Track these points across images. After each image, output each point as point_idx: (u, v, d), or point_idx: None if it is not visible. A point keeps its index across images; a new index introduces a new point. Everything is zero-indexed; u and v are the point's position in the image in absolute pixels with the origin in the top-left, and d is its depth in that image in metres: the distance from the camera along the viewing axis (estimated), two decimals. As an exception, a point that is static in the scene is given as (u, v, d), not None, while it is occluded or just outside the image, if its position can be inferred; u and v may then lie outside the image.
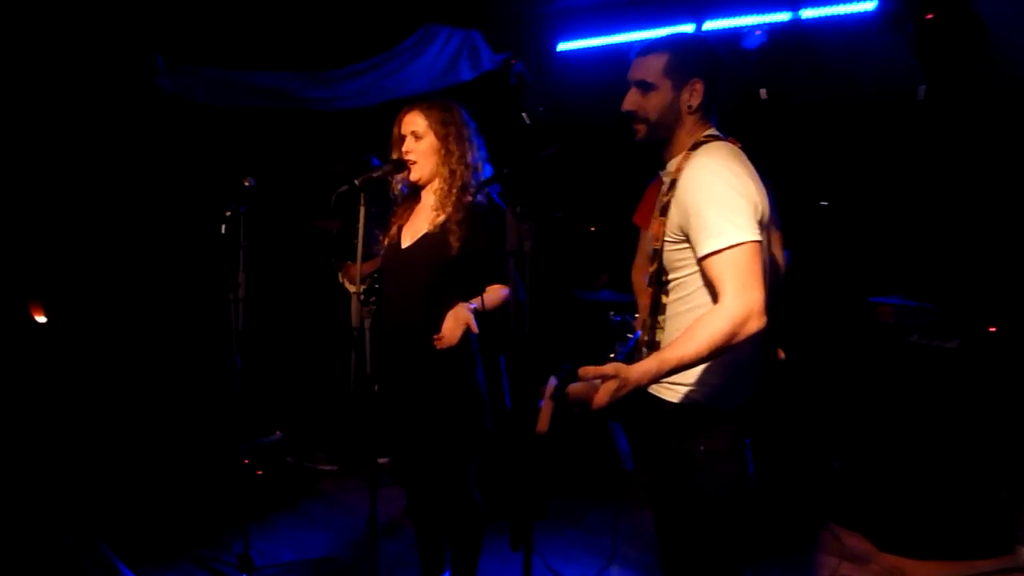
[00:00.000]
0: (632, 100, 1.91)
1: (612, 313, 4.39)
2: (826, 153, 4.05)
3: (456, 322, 2.40)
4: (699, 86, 1.86)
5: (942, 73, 4.09)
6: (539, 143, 2.83)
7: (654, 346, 1.92)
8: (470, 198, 2.55)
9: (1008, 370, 3.05)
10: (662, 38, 1.93)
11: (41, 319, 3.97)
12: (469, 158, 2.60)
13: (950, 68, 4.07)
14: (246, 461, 3.45)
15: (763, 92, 4.78)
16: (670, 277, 1.89)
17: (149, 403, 4.07)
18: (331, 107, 4.60)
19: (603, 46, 5.03)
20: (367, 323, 2.49)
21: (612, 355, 4.36)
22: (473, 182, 2.57)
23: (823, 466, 3.89)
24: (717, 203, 1.70)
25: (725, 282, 1.66)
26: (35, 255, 3.94)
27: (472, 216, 2.51)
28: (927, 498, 3.25)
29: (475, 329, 2.39)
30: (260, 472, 3.90)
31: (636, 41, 5.04)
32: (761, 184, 1.80)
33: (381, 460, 4.47)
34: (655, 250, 1.91)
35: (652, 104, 1.88)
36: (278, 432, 4.40)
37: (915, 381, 3.28)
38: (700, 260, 1.73)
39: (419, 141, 2.58)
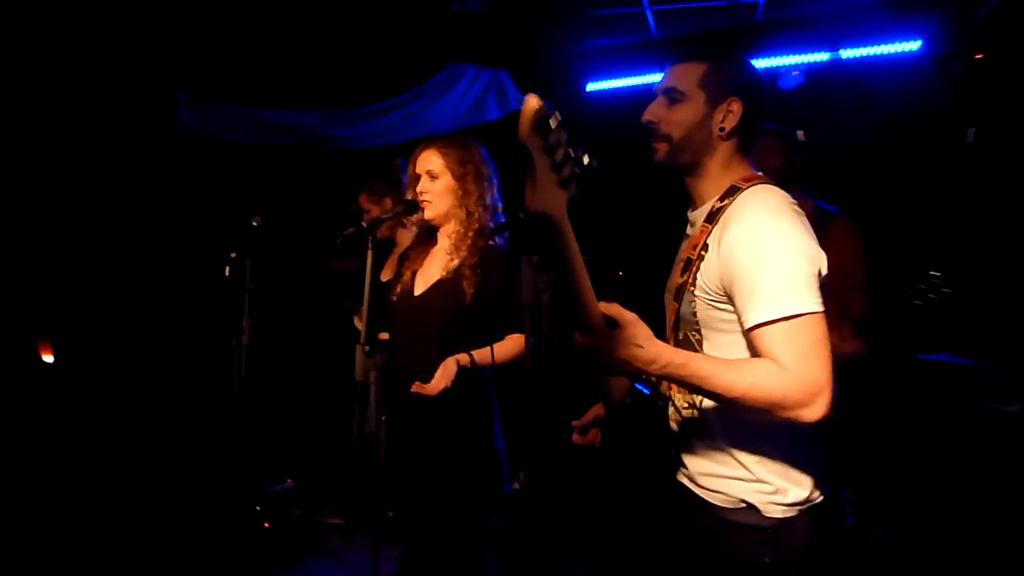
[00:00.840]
0: (655, 111, 1.62)
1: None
2: (875, 199, 3.82)
3: (440, 376, 2.23)
4: (736, 107, 1.57)
5: (992, 115, 3.89)
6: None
7: (694, 410, 1.65)
8: (486, 241, 2.39)
9: None
10: (703, 47, 1.65)
11: (48, 358, 3.86)
12: (487, 199, 2.45)
13: (1000, 109, 3.87)
14: (257, 508, 3.30)
15: (800, 134, 4.61)
16: (704, 340, 1.60)
17: (154, 447, 3.92)
18: (354, 145, 4.53)
19: (633, 86, 4.91)
20: (372, 376, 2.31)
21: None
22: (491, 224, 2.41)
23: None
24: (774, 265, 1.42)
25: (782, 356, 1.38)
26: (44, 292, 3.85)
27: (487, 260, 2.35)
28: (980, 566, 2.96)
29: (446, 384, 2.21)
30: (267, 524, 3.70)
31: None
32: (817, 243, 1.50)
33: (390, 513, 4.28)
34: (676, 302, 1.64)
35: (678, 118, 1.58)
36: (289, 480, 4.22)
37: (972, 444, 3.01)
38: (748, 331, 1.44)
39: (435, 181, 2.43)
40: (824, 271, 1.48)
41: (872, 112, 4.19)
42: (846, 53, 4.24)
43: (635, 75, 4.89)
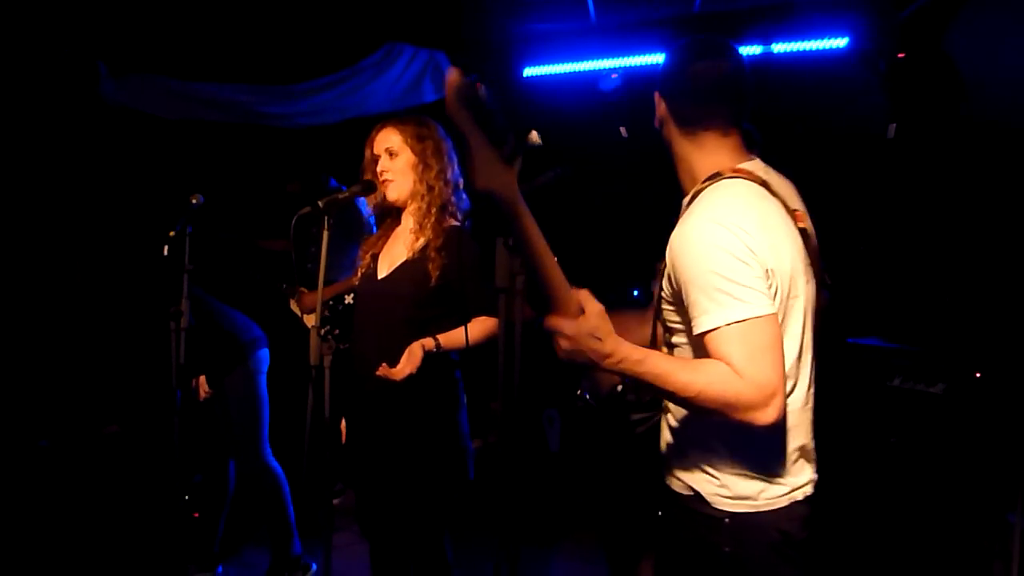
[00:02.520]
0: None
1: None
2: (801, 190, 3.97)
3: (406, 362, 2.21)
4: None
5: (913, 112, 4.09)
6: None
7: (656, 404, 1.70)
8: (452, 221, 2.36)
9: (994, 416, 2.95)
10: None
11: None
12: (449, 174, 2.41)
13: (921, 107, 4.07)
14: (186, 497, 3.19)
15: (623, 131, 4.82)
16: (672, 340, 1.63)
17: (80, 435, 3.71)
18: (288, 124, 4.37)
19: (570, 72, 4.93)
20: (327, 360, 2.25)
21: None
22: (454, 200, 2.38)
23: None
24: (715, 271, 1.40)
25: (734, 359, 1.36)
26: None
27: (451, 242, 2.31)
28: (908, 547, 3.13)
29: (411, 370, 2.20)
30: (197, 515, 3.57)
31: (602, 69, 4.99)
32: (787, 235, 1.51)
33: (335, 501, 4.20)
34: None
35: (665, 135, 1.69)
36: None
37: (897, 425, 3.18)
38: (699, 337, 1.43)
39: (394, 159, 2.38)
40: (780, 268, 1.47)
41: (803, 107, 4.34)
42: (777, 47, 4.37)
43: (573, 61, 4.90)
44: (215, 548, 3.27)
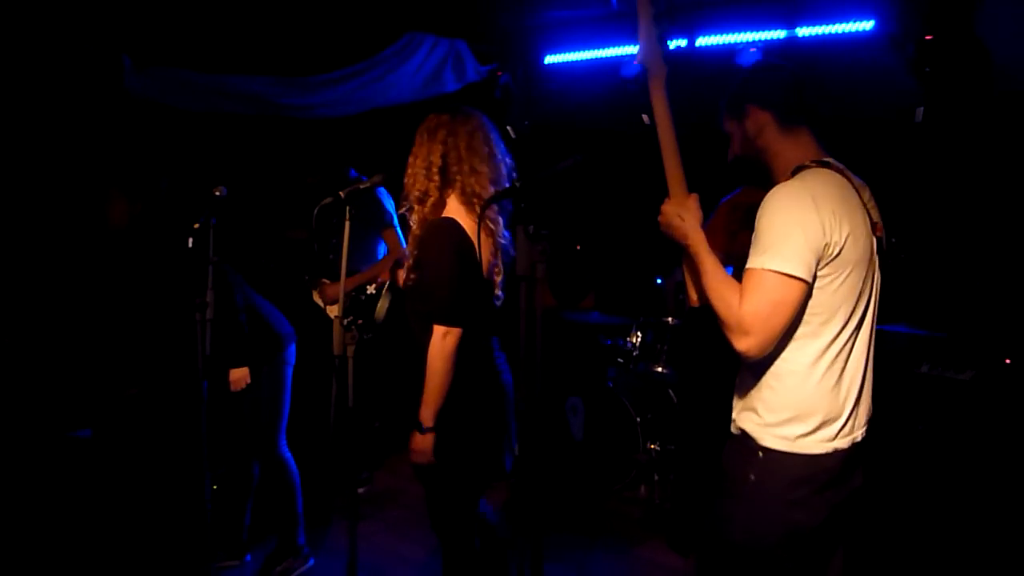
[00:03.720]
0: (730, 152, 2.01)
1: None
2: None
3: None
4: (754, 110, 1.90)
5: (942, 95, 4.01)
6: (524, 157, 2.67)
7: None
8: (443, 214, 2.38)
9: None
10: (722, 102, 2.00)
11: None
12: (436, 167, 2.40)
13: (950, 90, 3.99)
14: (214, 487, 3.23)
15: (645, 118, 4.77)
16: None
17: (105, 427, 3.77)
18: (309, 115, 4.38)
19: (590, 60, 4.90)
20: (350, 350, 2.26)
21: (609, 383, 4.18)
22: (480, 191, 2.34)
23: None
24: (771, 229, 1.70)
25: (748, 295, 1.68)
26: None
27: (425, 234, 2.35)
28: (938, 534, 3.10)
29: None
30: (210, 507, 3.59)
31: (623, 55, 4.94)
32: (861, 223, 1.78)
33: (360, 490, 4.24)
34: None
35: (736, 147, 1.97)
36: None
37: (925, 412, 3.14)
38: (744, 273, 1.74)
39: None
40: (840, 246, 1.69)
41: (828, 91, 4.27)
42: (802, 31, 4.31)
43: (594, 48, 4.87)
44: (243, 536, 3.31)
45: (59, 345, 3.81)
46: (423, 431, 2.30)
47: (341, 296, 2.26)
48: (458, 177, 2.34)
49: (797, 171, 1.81)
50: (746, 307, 1.67)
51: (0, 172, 3.80)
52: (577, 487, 4.16)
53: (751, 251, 1.71)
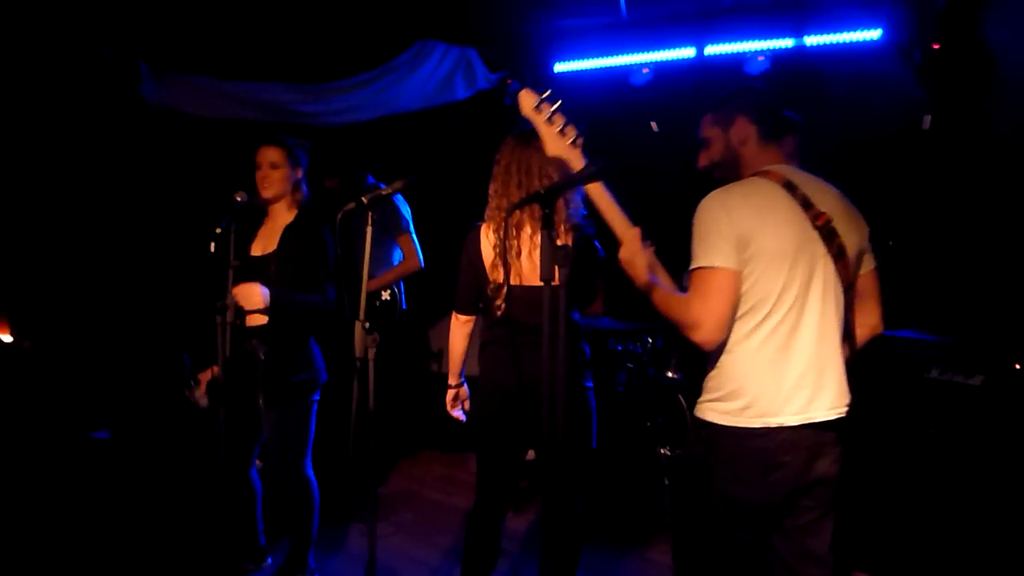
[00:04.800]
0: (701, 158, 2.16)
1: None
2: (836, 182, 3.95)
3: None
4: (742, 121, 2.06)
5: (949, 103, 4.05)
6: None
7: None
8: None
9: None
10: (710, 107, 2.15)
11: (6, 338, 3.71)
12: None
13: (957, 98, 4.03)
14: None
15: (654, 125, 4.83)
16: None
17: (124, 430, 3.81)
18: (323, 121, 4.43)
19: (601, 68, 4.94)
20: (371, 353, 2.30)
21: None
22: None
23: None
24: (697, 230, 1.92)
25: (690, 294, 1.89)
26: (5, 270, 3.69)
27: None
28: (950, 542, 3.12)
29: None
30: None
31: (632, 64, 4.97)
32: (785, 220, 1.93)
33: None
34: None
35: (714, 152, 2.11)
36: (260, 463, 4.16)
37: (936, 417, 3.16)
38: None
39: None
40: (758, 239, 1.87)
41: (836, 99, 4.32)
42: (810, 40, 4.35)
43: (604, 56, 4.91)
44: (261, 541, 3.32)
45: (80, 347, 3.86)
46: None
47: (363, 299, 2.31)
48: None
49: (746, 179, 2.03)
50: (690, 304, 1.88)
51: (19, 177, 3.84)
52: (588, 491, 4.18)
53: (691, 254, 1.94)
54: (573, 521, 2.64)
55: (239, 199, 2.87)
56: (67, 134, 3.99)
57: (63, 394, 3.68)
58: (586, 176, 1.79)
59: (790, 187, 1.96)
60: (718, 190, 1.96)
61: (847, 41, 4.25)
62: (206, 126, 4.14)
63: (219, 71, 4.14)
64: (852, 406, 2.01)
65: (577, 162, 2.07)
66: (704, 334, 1.87)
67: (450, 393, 2.80)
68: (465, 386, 2.82)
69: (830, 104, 4.34)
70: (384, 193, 2.34)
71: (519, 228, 2.50)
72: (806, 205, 1.95)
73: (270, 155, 3.00)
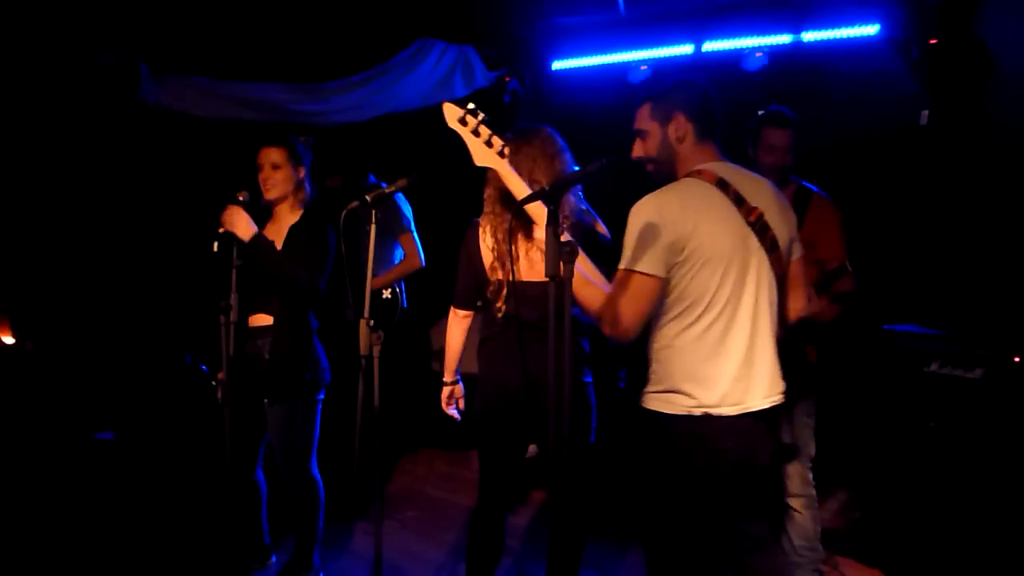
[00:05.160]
0: (636, 148, 2.18)
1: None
2: (834, 177, 3.97)
3: None
4: (680, 118, 2.09)
5: (947, 98, 4.06)
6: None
7: None
8: None
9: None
10: (648, 94, 2.16)
11: (9, 340, 3.72)
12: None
13: (955, 93, 4.04)
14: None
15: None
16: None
17: (126, 430, 3.82)
18: (323, 121, 4.42)
19: (599, 65, 4.95)
20: (376, 350, 2.31)
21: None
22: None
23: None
24: (630, 232, 1.98)
25: (613, 291, 1.96)
26: (6, 271, 3.70)
27: None
28: (949, 533, 3.14)
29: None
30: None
31: (630, 61, 4.98)
32: (720, 218, 1.99)
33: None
34: None
35: (650, 146, 2.14)
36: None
37: (936, 410, 3.19)
38: None
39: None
40: (691, 245, 1.95)
41: (834, 95, 4.34)
42: (808, 36, 4.36)
43: (602, 54, 4.92)
44: (266, 540, 3.33)
45: (82, 348, 3.86)
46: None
47: (367, 297, 2.32)
48: None
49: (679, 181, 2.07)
50: (612, 301, 1.94)
51: (21, 180, 3.84)
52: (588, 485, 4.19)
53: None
54: (575, 516, 2.65)
55: (241, 198, 2.88)
56: (68, 136, 3.99)
57: (66, 395, 3.69)
58: (588, 173, 1.80)
59: (723, 185, 2.03)
60: (654, 194, 2.01)
61: (845, 37, 4.26)
62: (209, 127, 4.14)
63: (219, 72, 4.14)
64: (789, 393, 2.14)
65: (505, 171, 2.18)
66: (620, 332, 1.94)
67: (445, 391, 2.81)
68: (460, 384, 2.83)
69: (828, 100, 4.36)
70: (387, 191, 2.35)
71: (515, 227, 2.50)
72: (738, 202, 2.02)
73: (272, 156, 2.99)
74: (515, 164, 2.43)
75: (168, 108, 4.02)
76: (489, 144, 2.17)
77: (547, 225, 1.73)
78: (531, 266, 2.50)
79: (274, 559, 3.34)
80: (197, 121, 3.98)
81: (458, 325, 2.71)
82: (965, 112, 4.03)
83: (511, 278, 2.48)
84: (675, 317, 2.01)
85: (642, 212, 1.97)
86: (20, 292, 3.69)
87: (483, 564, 2.68)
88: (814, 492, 2.98)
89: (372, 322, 2.32)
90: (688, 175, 2.07)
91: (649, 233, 1.93)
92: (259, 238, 2.85)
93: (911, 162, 4.17)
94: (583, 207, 2.59)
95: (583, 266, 1.99)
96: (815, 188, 3.04)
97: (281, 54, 4.32)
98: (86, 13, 3.72)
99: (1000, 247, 3.71)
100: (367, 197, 2.30)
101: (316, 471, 3.12)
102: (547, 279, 1.74)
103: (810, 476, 2.96)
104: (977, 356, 3.11)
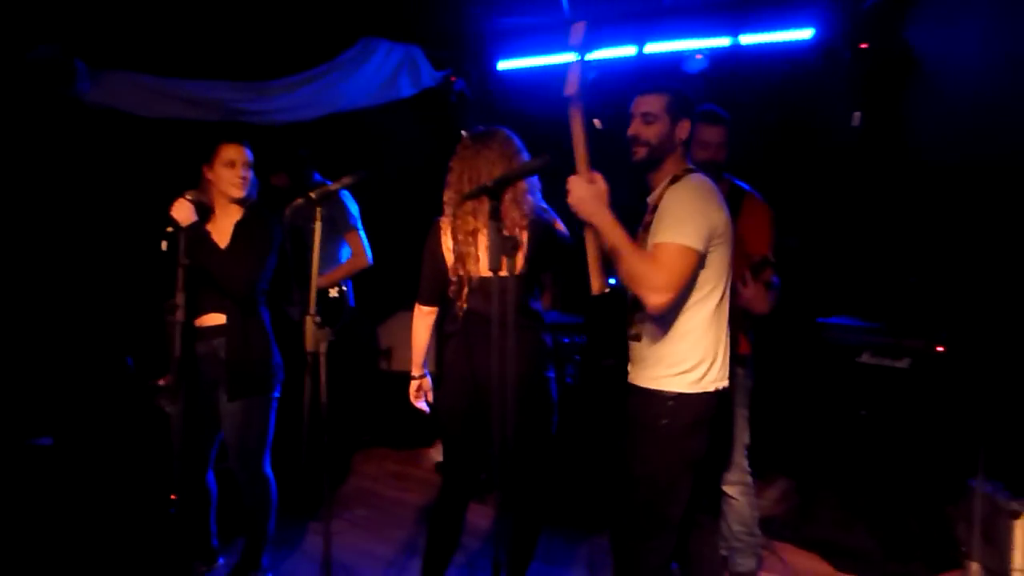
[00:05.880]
0: (636, 128, 2.28)
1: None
2: (772, 176, 4.11)
3: None
4: (687, 124, 2.27)
5: (877, 99, 4.23)
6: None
7: (638, 337, 2.31)
8: None
9: (955, 388, 3.12)
10: (662, 84, 2.30)
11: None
12: None
13: (882, 95, 4.22)
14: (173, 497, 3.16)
15: (597, 123, 4.98)
16: None
17: (65, 435, 3.73)
18: (267, 120, 4.37)
19: (544, 66, 5.02)
20: (323, 347, 2.32)
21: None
22: None
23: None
24: (680, 212, 2.11)
25: (661, 263, 2.08)
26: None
27: None
28: (879, 512, 3.28)
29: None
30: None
31: (579, 61, 5.06)
32: (726, 211, 2.21)
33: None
34: None
35: (653, 132, 2.25)
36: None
37: (867, 399, 3.33)
38: (653, 246, 2.12)
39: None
40: (721, 231, 2.15)
41: (771, 96, 4.48)
42: (745, 39, 4.49)
43: (547, 54, 4.99)
44: (214, 543, 3.30)
45: (18, 351, 3.76)
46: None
47: (312, 295, 2.33)
48: None
49: (675, 179, 2.23)
50: (661, 271, 2.06)
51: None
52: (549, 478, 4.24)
53: (658, 227, 2.13)
54: (530, 507, 2.71)
55: (190, 198, 2.86)
56: (11, 136, 3.87)
57: (2, 400, 3.59)
58: (528, 169, 1.86)
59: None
60: (698, 179, 2.21)
61: (781, 41, 4.41)
62: (152, 125, 4.07)
63: (160, 69, 4.07)
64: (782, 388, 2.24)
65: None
66: (663, 300, 2.06)
67: (413, 384, 2.86)
68: (428, 377, 2.87)
69: (766, 101, 4.50)
70: (332, 188, 2.37)
71: (474, 223, 2.56)
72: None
73: (245, 155, 2.99)
74: (474, 166, 2.50)
75: (106, 105, 3.94)
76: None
77: (489, 220, 1.77)
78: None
79: (221, 561, 3.31)
80: (141, 119, 3.90)
81: (422, 321, 2.77)
82: (893, 114, 4.21)
83: (471, 276, 2.56)
84: (701, 299, 2.18)
85: (697, 194, 2.15)
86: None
87: (440, 552, 2.74)
88: (751, 479, 3.08)
89: (319, 319, 2.33)
90: (690, 172, 2.26)
91: (697, 212, 2.10)
92: (196, 227, 2.85)
93: (844, 162, 4.34)
94: (542, 206, 2.67)
95: (622, 236, 2.09)
96: (747, 187, 3.14)
97: (224, 52, 4.26)
98: (24, 7, 3.62)
99: (927, 243, 3.89)
100: (311, 194, 2.31)
101: (269, 470, 3.11)
102: (493, 273, 1.79)
103: (746, 464, 3.07)
104: (904, 347, 3.26)
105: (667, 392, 2.20)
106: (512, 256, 1.78)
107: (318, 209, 2.33)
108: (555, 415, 2.69)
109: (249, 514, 3.10)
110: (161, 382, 2.90)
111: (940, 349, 3.16)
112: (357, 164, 2.72)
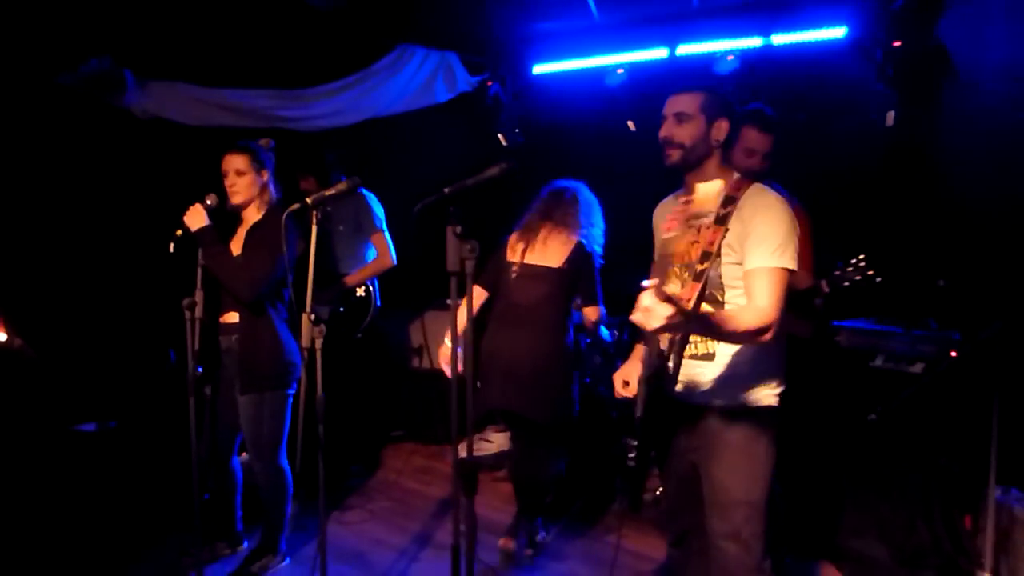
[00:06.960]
0: (668, 129, 2.17)
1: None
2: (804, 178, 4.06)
3: None
4: (725, 124, 2.15)
5: (910, 99, 4.13)
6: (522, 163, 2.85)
7: (710, 357, 2.18)
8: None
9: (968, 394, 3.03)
10: (697, 84, 2.19)
11: (1, 336, 3.90)
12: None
13: (917, 94, 4.11)
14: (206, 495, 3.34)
15: (631, 124, 4.94)
16: (726, 296, 2.12)
17: (110, 424, 4.00)
18: (305, 126, 4.58)
19: (578, 69, 5.07)
20: (318, 343, 2.46)
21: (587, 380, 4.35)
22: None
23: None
24: (782, 232, 2.02)
25: (769, 293, 1.98)
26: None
27: None
28: (890, 525, 3.22)
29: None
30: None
31: (609, 65, 5.07)
32: None
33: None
34: (705, 258, 1.99)
35: (687, 132, 2.14)
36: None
37: (879, 403, 3.27)
38: (749, 269, 2.02)
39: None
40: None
41: (803, 97, 4.42)
42: (777, 39, 4.44)
43: (580, 58, 5.03)
44: (238, 527, 3.49)
45: (67, 343, 4.04)
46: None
47: (308, 293, 2.47)
48: None
49: (736, 191, 2.09)
50: (769, 304, 1.96)
51: (8, 184, 4.01)
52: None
53: (757, 249, 2.01)
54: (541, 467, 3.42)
55: (209, 202, 3.04)
56: (54, 140, 4.15)
57: (49, 388, 3.87)
58: (490, 176, 1.92)
59: None
60: (778, 197, 2.10)
61: (813, 40, 4.34)
62: (193, 132, 4.30)
63: (203, 78, 4.30)
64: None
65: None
66: (776, 330, 1.97)
67: (444, 348, 3.27)
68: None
69: (798, 102, 4.44)
70: (327, 195, 2.50)
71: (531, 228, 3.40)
72: None
73: (235, 162, 3.12)
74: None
75: (154, 115, 4.19)
76: None
77: (448, 225, 1.85)
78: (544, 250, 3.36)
79: (246, 544, 3.49)
80: (179, 127, 4.13)
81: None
82: (927, 113, 4.10)
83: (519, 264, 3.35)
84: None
85: (786, 212, 2.06)
86: (7, 290, 3.88)
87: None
88: None
89: (314, 316, 2.47)
90: (745, 180, 2.14)
91: (793, 232, 2.04)
92: (205, 232, 3.01)
93: (879, 162, 4.25)
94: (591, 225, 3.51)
95: (715, 319, 1.95)
96: (786, 194, 3.05)
97: (264, 61, 4.47)
98: (74, 21, 3.87)
99: (942, 243, 3.78)
100: (307, 200, 2.45)
101: (284, 461, 3.27)
102: (449, 271, 1.87)
103: None
104: (918, 352, 3.19)
105: (767, 406, 2.15)
106: (470, 259, 1.86)
107: (314, 214, 2.46)
108: (576, 404, 3.39)
109: (265, 502, 3.27)
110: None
111: (953, 354, 3.08)
112: (384, 167, 2.84)
